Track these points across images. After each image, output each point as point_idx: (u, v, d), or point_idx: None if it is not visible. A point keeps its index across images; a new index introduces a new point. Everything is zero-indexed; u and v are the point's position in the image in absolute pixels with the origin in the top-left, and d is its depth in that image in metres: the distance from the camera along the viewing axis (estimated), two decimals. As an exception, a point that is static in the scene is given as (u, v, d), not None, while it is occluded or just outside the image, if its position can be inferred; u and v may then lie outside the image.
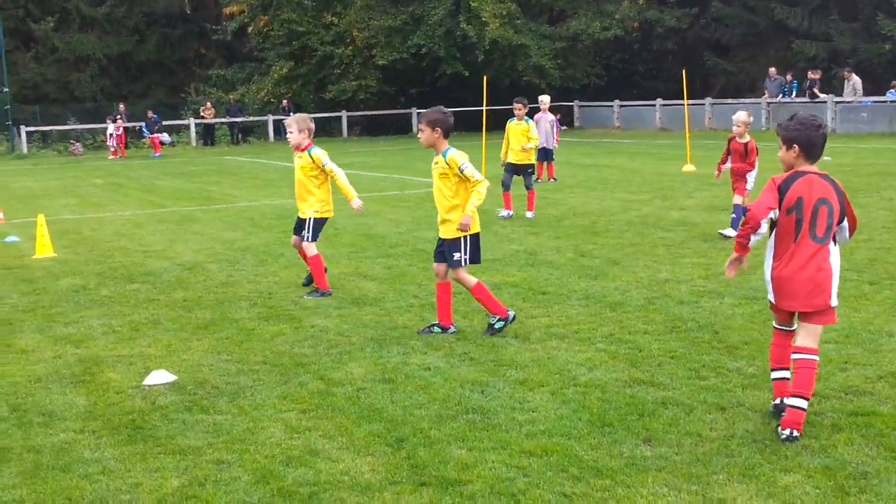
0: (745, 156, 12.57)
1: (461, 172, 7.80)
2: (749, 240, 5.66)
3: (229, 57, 50.20)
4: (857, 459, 5.14)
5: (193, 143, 40.84)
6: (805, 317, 5.73)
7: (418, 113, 42.97)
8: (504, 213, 14.97)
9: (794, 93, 35.89)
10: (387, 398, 6.41)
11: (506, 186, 15.07)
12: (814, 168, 5.65)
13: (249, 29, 44.63)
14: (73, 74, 46.55)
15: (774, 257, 5.72)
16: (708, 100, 39.12)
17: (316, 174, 9.66)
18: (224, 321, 8.73)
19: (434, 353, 7.43)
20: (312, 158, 9.60)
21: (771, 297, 5.83)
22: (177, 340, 8.09)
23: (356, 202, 9.80)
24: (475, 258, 7.96)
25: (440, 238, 8.04)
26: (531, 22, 43.37)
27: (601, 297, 9.20)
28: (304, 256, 9.84)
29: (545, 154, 20.08)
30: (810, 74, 34.71)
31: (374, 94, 43.37)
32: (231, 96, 42.90)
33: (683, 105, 25.02)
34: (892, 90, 32.62)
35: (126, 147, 37.72)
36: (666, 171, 21.95)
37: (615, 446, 5.44)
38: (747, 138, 12.60)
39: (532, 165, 15.45)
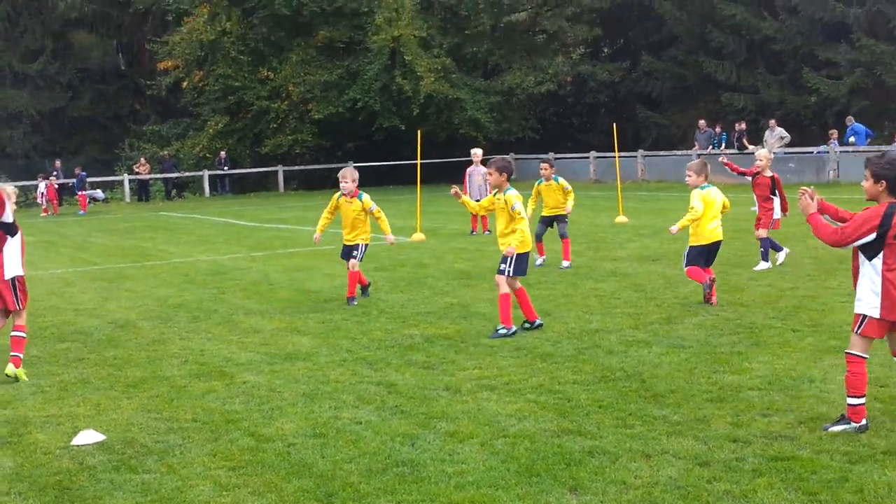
0: (772, 189, 13.86)
1: (511, 210, 9.94)
2: (821, 226, 6.51)
3: (164, 112, 50.02)
4: None
5: (128, 199, 40.51)
6: None
7: (354, 167, 43.19)
8: (539, 260, 14.94)
9: (724, 144, 36.66)
10: (317, 453, 6.43)
11: (538, 237, 14.92)
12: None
13: (184, 84, 44.61)
14: (4, 131, 46.02)
15: (888, 278, 6.31)
16: (640, 152, 39.80)
17: (364, 215, 12.35)
18: (154, 379, 8.68)
19: (366, 407, 7.47)
20: (362, 203, 12.29)
21: (877, 312, 6.37)
22: (106, 399, 8.02)
23: (391, 238, 12.57)
24: (518, 272, 10.04)
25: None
26: (466, 76, 43.91)
27: (532, 348, 9.31)
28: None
29: None
30: (737, 126, 35.55)
31: (311, 149, 43.52)
32: (166, 151, 42.71)
33: (615, 157, 25.46)
34: (833, 141, 33.37)
35: (60, 204, 37.31)
36: (599, 222, 22.26)
37: (542, 496, 5.51)
38: (769, 172, 14.00)
39: (566, 215, 15.15)
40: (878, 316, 6.37)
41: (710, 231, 11.18)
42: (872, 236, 6.30)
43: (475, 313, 11.28)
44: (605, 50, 51.93)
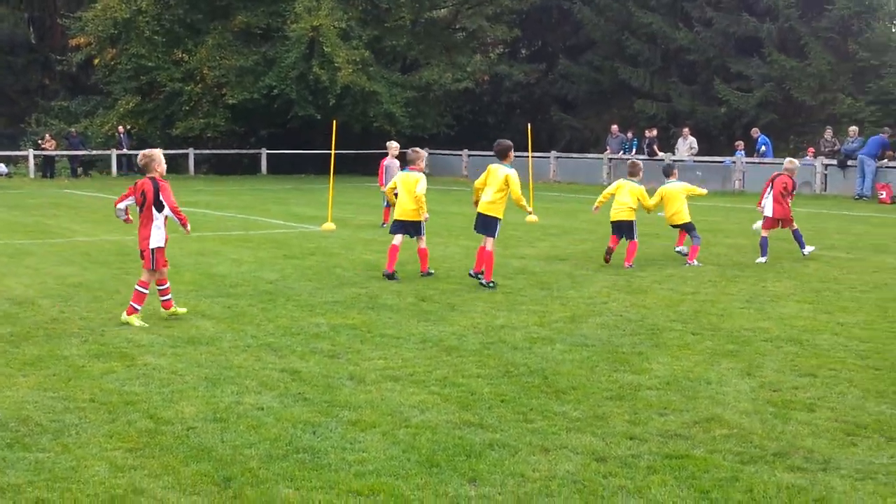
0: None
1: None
2: None
3: (73, 89, 48.82)
4: (669, 500, 5.39)
5: (32, 175, 39.50)
6: None
7: (268, 154, 42.77)
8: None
9: (634, 150, 37.24)
10: (217, 437, 6.37)
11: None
12: None
13: (96, 61, 43.60)
14: None
15: None
16: (553, 153, 40.20)
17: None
18: (52, 358, 8.49)
19: (268, 393, 7.42)
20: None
21: None
22: (0, 377, 7.83)
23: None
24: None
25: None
26: (384, 70, 43.78)
27: (438, 340, 9.35)
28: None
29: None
30: (649, 133, 36.15)
31: (223, 133, 42.90)
32: (73, 128, 41.73)
33: (528, 157, 25.66)
34: (739, 151, 34.08)
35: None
36: (510, 220, 22.25)
37: (441, 486, 5.55)
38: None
39: (632, 221, 14.73)
40: None
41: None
42: None
43: (382, 304, 11.27)
44: (523, 51, 52.31)
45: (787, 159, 16.82)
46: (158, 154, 10.13)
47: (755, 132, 34.31)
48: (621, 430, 6.60)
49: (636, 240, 14.70)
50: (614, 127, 38.46)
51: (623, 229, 14.74)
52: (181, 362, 8.37)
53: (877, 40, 36.67)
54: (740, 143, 34.30)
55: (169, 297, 10.32)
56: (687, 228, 15.35)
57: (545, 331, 9.85)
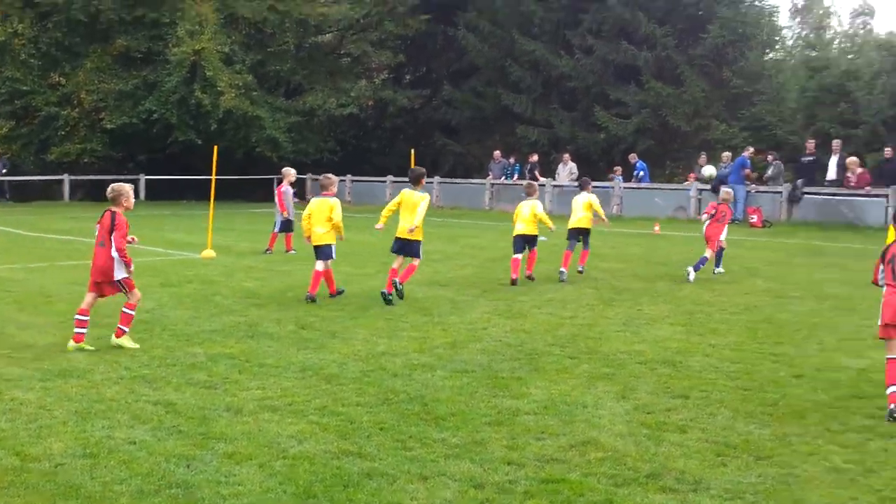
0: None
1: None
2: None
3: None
4: (543, 524, 5.45)
5: None
6: None
7: (147, 179, 41.93)
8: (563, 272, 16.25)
9: (517, 175, 37.72)
10: (86, 474, 6.20)
11: (570, 246, 16.74)
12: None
13: (-32, 85, 42.26)
14: None
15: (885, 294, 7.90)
16: (437, 178, 40.38)
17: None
18: (-87, 394, 8.16)
19: (141, 427, 7.25)
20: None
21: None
22: None
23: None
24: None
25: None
26: (267, 94, 43.47)
27: (318, 369, 9.29)
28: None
29: (287, 225, 20.40)
30: (531, 158, 36.66)
31: (100, 159, 41.90)
32: (-58, 152, 40.27)
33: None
34: (617, 176, 34.78)
35: None
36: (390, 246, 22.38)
37: (316, 518, 5.50)
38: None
39: (589, 230, 16.99)
40: None
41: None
42: None
43: (262, 332, 11.14)
44: (408, 76, 52.57)
45: (724, 189, 18.62)
46: (127, 189, 10.28)
47: (633, 157, 35.10)
48: (499, 456, 6.65)
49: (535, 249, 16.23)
50: (497, 152, 38.90)
51: (527, 241, 15.98)
52: (50, 396, 8.12)
53: (750, 68, 37.97)
54: (618, 169, 35.01)
55: (85, 330, 10.22)
56: (585, 235, 16.89)
57: (426, 357, 9.86)
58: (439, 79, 48.23)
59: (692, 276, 15.96)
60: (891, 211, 26.78)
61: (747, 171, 29.72)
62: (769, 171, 30.81)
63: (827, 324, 11.98)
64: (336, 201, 13.93)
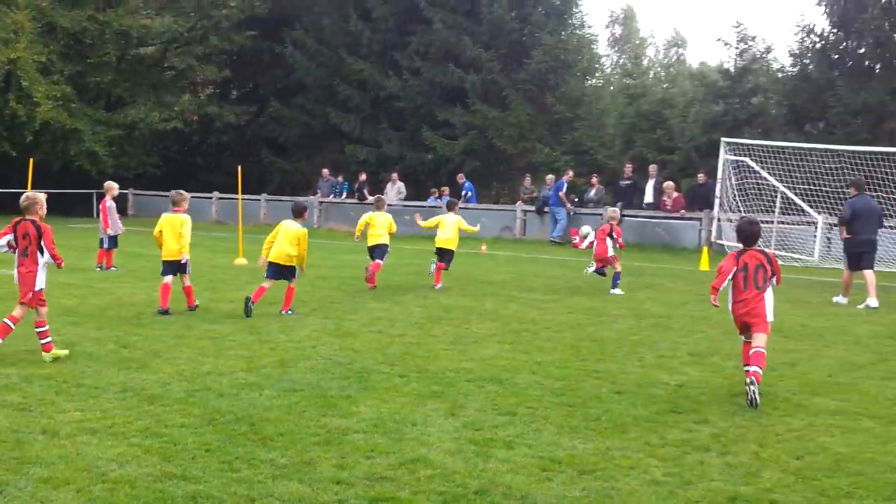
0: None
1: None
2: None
3: None
4: (374, 543, 5.41)
5: None
6: (754, 329, 9.28)
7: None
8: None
9: (345, 193, 37.71)
10: None
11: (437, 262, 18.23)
12: (752, 247, 9.59)
13: None
14: None
15: (733, 297, 9.46)
16: (264, 195, 39.98)
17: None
18: None
19: (-52, 452, 6.86)
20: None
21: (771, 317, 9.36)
22: None
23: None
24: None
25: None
26: (87, 107, 42.08)
27: (140, 389, 8.99)
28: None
29: (114, 241, 19.85)
30: (360, 177, 36.69)
31: None
32: None
33: (238, 199, 25.37)
34: (432, 197, 35.14)
35: None
36: (219, 263, 22.05)
37: (139, 543, 5.31)
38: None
39: (454, 251, 18.37)
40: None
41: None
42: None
43: (80, 352, 10.71)
44: (234, 92, 51.85)
45: (610, 208, 20.82)
46: (42, 198, 10.53)
47: (461, 178, 35.58)
48: (328, 476, 6.58)
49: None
50: (325, 171, 38.82)
51: (378, 252, 17.68)
52: None
53: (571, 94, 39.13)
54: (445, 189, 35.40)
55: (49, 339, 10.36)
56: (450, 255, 18.20)
57: (253, 376, 9.69)
58: (266, 95, 47.75)
59: (618, 292, 17.62)
60: (704, 234, 28.04)
61: (561, 193, 30.56)
62: (591, 194, 31.77)
63: (646, 341, 12.40)
64: (187, 217, 14.43)
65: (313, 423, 7.91)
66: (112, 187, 20.60)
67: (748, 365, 9.04)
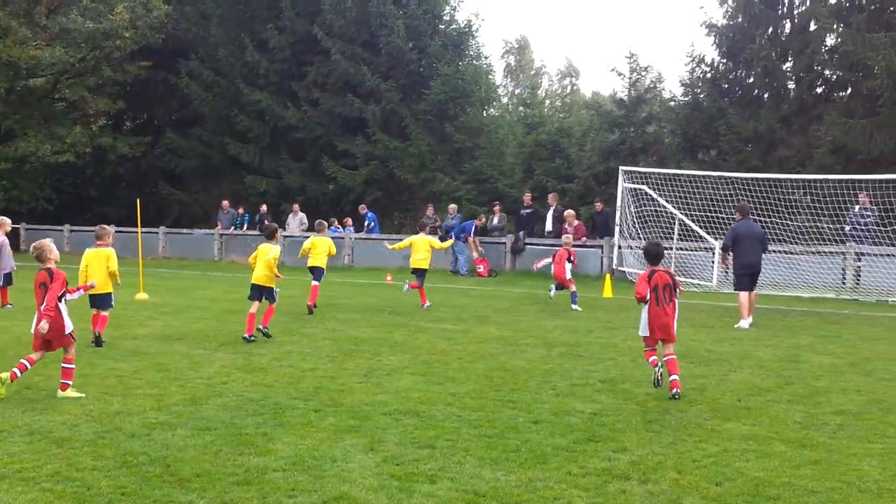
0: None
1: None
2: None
3: None
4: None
5: None
6: (666, 340, 10.88)
7: None
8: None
9: (246, 225, 37.29)
10: None
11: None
12: (659, 267, 11.05)
13: None
14: None
15: (649, 314, 10.87)
16: (162, 228, 39.29)
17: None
18: None
19: None
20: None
21: (645, 332, 10.95)
22: None
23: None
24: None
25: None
26: (-24, 140, 40.92)
27: (47, 432, 8.71)
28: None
29: (9, 278, 19.34)
30: (261, 208, 36.31)
31: None
32: None
33: (137, 232, 24.88)
34: (333, 227, 34.99)
35: None
36: (119, 298, 21.39)
37: None
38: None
39: (426, 269, 20.62)
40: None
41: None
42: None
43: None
44: (128, 123, 50.89)
45: (564, 237, 22.40)
46: (49, 243, 10.74)
47: (362, 208, 35.49)
48: (250, 516, 6.45)
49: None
50: (225, 202, 38.36)
51: (317, 274, 19.50)
52: None
53: (470, 124, 39.44)
54: (348, 220, 35.25)
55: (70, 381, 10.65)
56: (423, 274, 20.37)
57: (164, 415, 9.47)
58: (162, 126, 47.05)
59: (577, 308, 19.96)
60: (605, 261, 28.44)
61: (471, 239, 30.71)
62: (494, 221, 31.98)
63: (558, 370, 12.49)
64: (112, 251, 14.74)
65: (230, 463, 7.75)
66: (4, 223, 20.06)
67: (671, 374, 10.73)
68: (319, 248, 19.44)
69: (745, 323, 17.50)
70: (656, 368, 10.80)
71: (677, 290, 11.01)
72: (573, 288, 20.42)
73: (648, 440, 8.67)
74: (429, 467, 7.71)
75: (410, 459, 7.94)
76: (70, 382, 10.55)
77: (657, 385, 10.82)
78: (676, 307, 11.02)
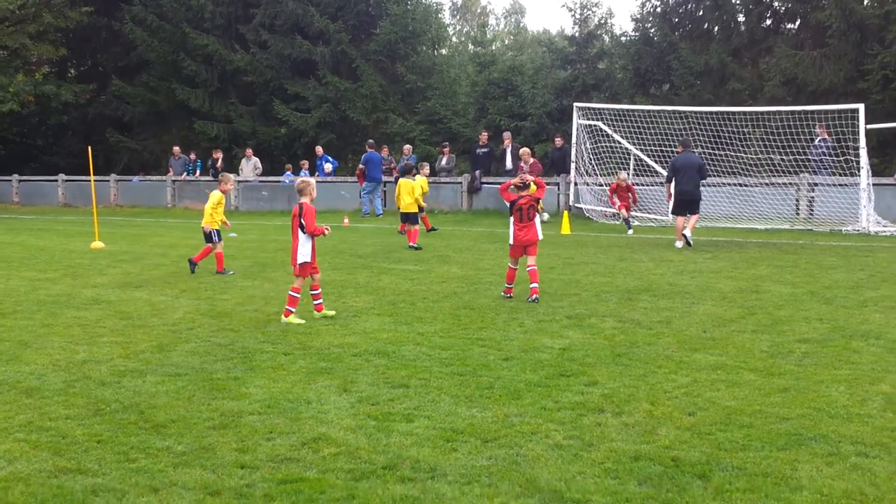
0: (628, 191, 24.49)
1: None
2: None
3: None
4: (291, 525, 5.32)
5: None
6: (529, 250, 13.15)
7: None
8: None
9: (199, 171, 36.87)
10: None
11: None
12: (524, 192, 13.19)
13: None
14: None
15: (515, 226, 13.22)
16: (113, 176, 38.75)
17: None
18: None
19: None
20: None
21: (512, 242, 13.20)
22: None
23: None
24: None
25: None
26: (-85, 91, 39.89)
27: (15, 382, 8.61)
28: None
29: None
30: (214, 154, 35.87)
31: None
32: None
33: (90, 181, 24.50)
34: (288, 173, 34.72)
35: None
36: (74, 248, 21.25)
37: (46, 543, 5.09)
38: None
39: (416, 213, 21.07)
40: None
41: None
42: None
43: (-57, 348, 10.19)
44: (72, 71, 49.91)
45: (622, 173, 24.44)
46: (312, 182, 12.44)
47: (319, 150, 35.13)
48: (230, 460, 6.43)
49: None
50: (176, 148, 37.88)
51: (409, 217, 21.09)
52: None
53: (422, 64, 39.18)
54: (305, 163, 34.92)
55: (320, 301, 12.20)
56: (412, 218, 20.72)
57: (133, 363, 9.40)
58: (107, 73, 46.18)
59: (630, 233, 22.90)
60: (562, 198, 28.54)
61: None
62: (442, 163, 31.83)
63: (523, 307, 12.53)
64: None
65: (205, 408, 7.72)
66: None
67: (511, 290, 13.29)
68: (406, 191, 21.08)
69: (679, 244, 19.54)
70: (533, 298, 12.89)
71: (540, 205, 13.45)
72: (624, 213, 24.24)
73: (619, 373, 8.76)
74: (404, 406, 7.73)
75: (385, 399, 7.95)
76: (292, 309, 11.66)
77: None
78: (538, 222, 13.36)
